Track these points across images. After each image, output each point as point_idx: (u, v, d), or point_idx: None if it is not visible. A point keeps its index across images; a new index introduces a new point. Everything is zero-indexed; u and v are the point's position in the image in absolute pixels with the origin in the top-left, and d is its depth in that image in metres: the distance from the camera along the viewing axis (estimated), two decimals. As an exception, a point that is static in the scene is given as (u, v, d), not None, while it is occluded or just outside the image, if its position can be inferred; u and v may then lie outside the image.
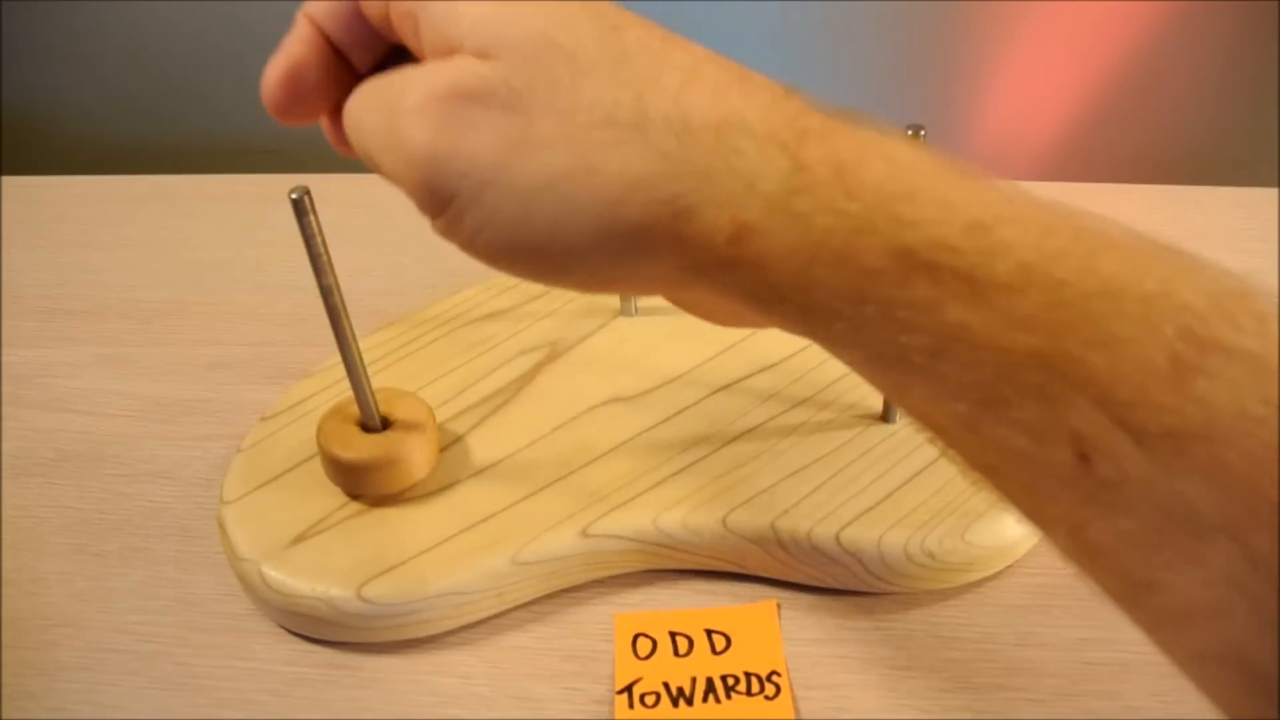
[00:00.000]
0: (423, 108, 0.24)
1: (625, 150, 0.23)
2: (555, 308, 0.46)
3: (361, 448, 0.37)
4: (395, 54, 0.28)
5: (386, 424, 0.38)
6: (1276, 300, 0.21)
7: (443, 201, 0.25)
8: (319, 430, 0.38)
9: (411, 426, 0.38)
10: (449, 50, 0.25)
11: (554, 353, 0.44)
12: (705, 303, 0.29)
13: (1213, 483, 0.19)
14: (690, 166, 0.23)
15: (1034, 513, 0.23)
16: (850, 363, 0.24)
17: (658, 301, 0.46)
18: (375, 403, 0.37)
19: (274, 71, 0.28)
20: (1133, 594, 0.22)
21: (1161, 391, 0.19)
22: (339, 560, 0.36)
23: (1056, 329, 0.20)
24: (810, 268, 0.22)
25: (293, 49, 0.28)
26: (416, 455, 0.37)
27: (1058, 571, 0.38)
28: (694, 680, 0.34)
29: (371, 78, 0.27)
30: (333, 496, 0.38)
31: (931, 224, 0.21)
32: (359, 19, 0.28)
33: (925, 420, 0.23)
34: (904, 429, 0.40)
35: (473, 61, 0.24)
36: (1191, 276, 0.21)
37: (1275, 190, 0.56)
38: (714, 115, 0.23)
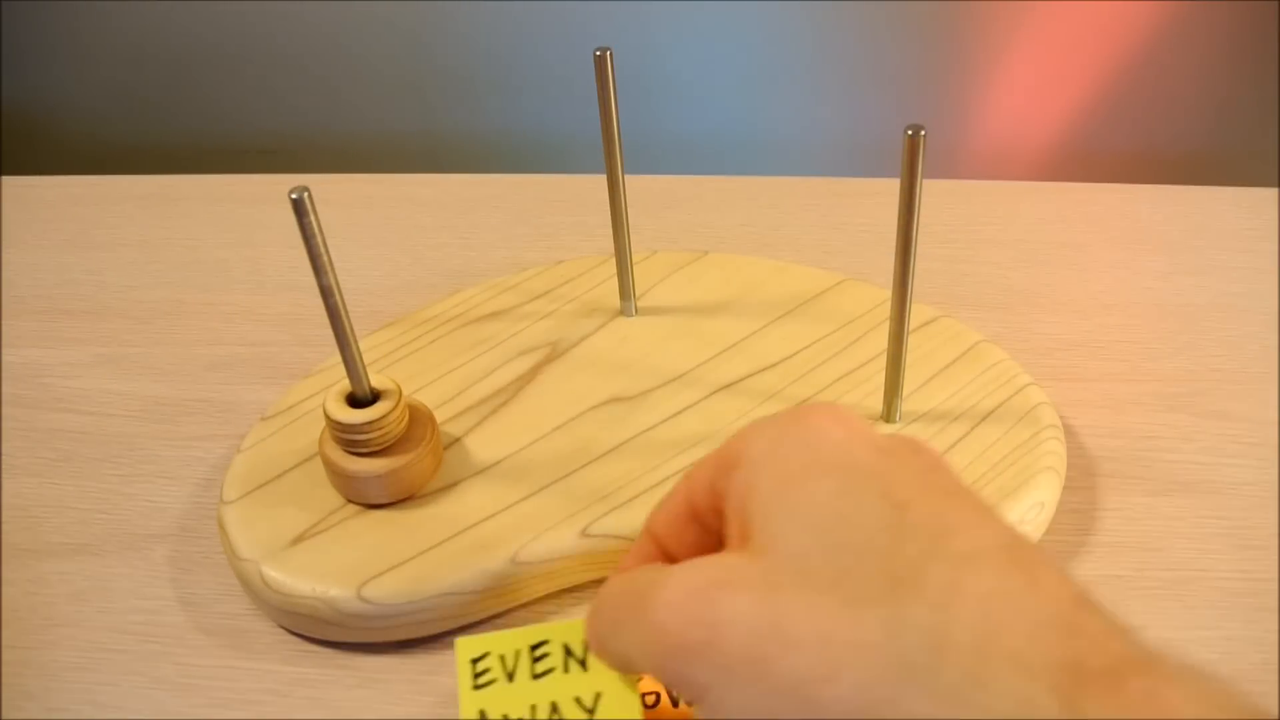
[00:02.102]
0: (678, 601, 0.24)
1: (870, 659, 0.21)
2: (555, 308, 0.46)
3: (365, 459, 0.37)
4: None
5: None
6: None
7: (696, 693, 0.24)
8: (322, 437, 0.38)
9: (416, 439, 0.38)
10: (742, 534, 0.25)
11: (554, 353, 0.44)
12: None
13: None
14: (941, 690, 0.20)
15: None
16: None
17: (658, 301, 0.46)
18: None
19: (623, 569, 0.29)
20: None
21: None
22: (339, 560, 0.36)
23: None
24: None
25: (635, 562, 0.30)
26: (420, 465, 0.37)
27: (1058, 571, 0.38)
28: (694, 680, 0.34)
29: (627, 575, 0.27)
30: (333, 496, 0.38)
31: None
32: (690, 525, 0.28)
33: None
34: (904, 429, 0.40)
35: (735, 557, 0.24)
36: None
37: (1275, 190, 0.56)
38: (974, 632, 0.21)
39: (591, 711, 0.30)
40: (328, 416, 0.36)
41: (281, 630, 0.37)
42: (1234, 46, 0.63)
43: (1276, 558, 0.38)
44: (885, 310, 0.40)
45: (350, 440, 0.36)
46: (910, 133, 0.32)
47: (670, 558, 0.29)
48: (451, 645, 0.36)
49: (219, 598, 0.38)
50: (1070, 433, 0.42)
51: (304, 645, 0.36)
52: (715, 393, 0.42)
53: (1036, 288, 0.51)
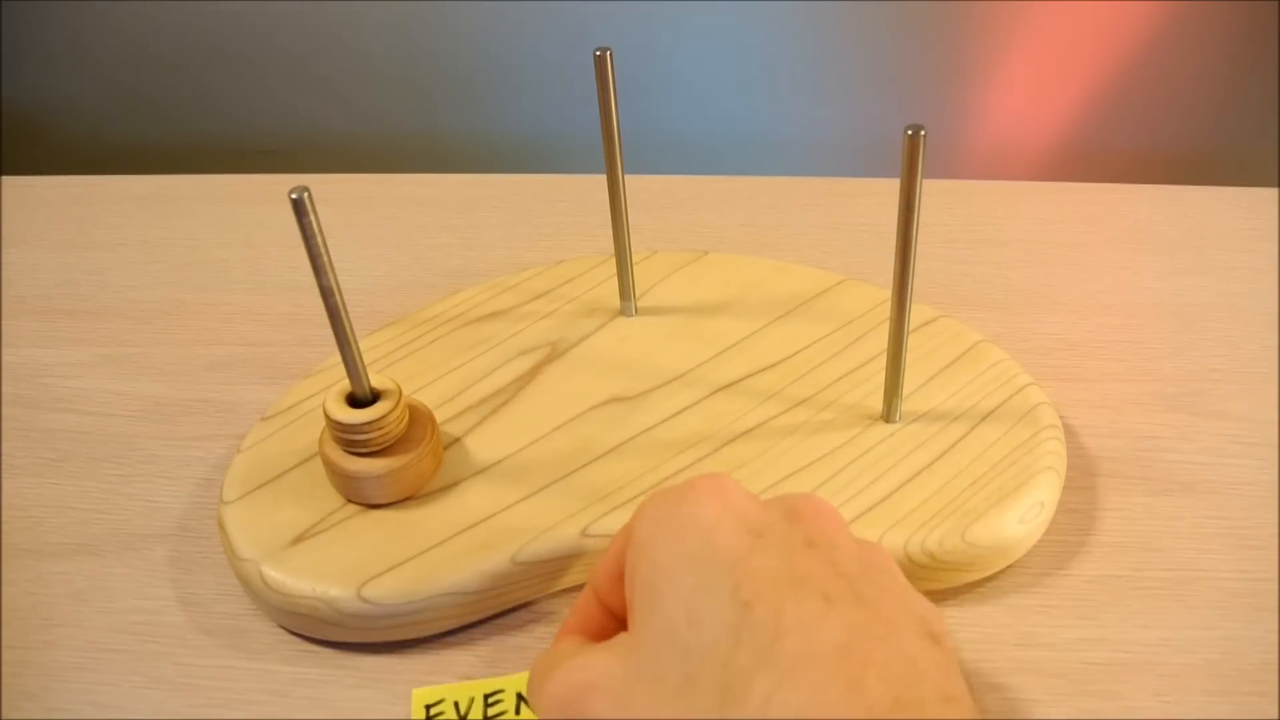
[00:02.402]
0: (554, 696, 0.27)
1: None
2: (555, 308, 0.46)
3: (365, 459, 0.37)
4: None
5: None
6: None
7: None
8: (322, 437, 0.38)
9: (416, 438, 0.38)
10: (628, 618, 0.27)
11: (554, 353, 0.44)
12: None
13: None
14: None
15: None
16: None
17: (658, 301, 0.46)
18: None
19: (565, 629, 0.32)
20: None
21: None
22: (339, 560, 0.36)
23: None
24: None
25: (577, 619, 0.31)
26: (420, 465, 0.37)
27: (1058, 572, 0.38)
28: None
29: (550, 650, 0.30)
30: (333, 496, 0.38)
31: None
32: (621, 583, 0.30)
33: None
34: (904, 429, 0.40)
35: (607, 657, 0.26)
36: None
37: (1275, 190, 0.56)
38: None
39: None
40: (328, 416, 0.36)
41: (281, 630, 0.37)
42: (1234, 46, 0.63)
43: (1276, 558, 0.38)
44: (885, 310, 0.40)
45: (350, 440, 0.36)
46: (910, 133, 0.32)
47: (609, 611, 0.30)
48: (453, 646, 0.36)
49: (219, 598, 0.38)
50: (1070, 433, 0.42)
51: (304, 645, 0.36)
52: (715, 393, 0.42)
53: (1036, 288, 0.51)
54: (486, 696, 0.33)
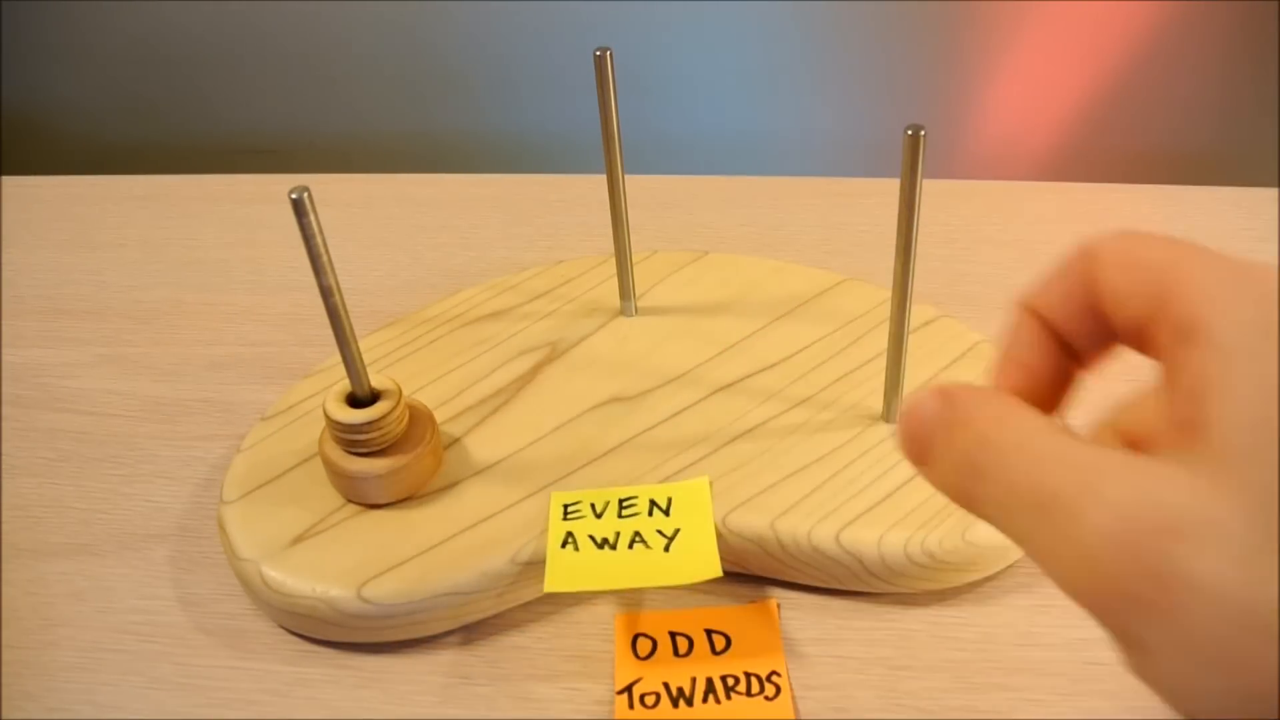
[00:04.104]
0: (1120, 536, 0.18)
1: None
2: (555, 308, 0.46)
3: (365, 459, 0.37)
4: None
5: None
6: None
7: (1128, 644, 0.19)
8: (322, 437, 0.38)
9: (416, 438, 0.38)
10: (1187, 430, 0.19)
11: (554, 353, 0.44)
12: None
13: None
14: None
15: None
16: None
17: (658, 301, 0.46)
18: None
19: (1001, 384, 0.24)
20: None
21: None
22: (339, 560, 0.36)
23: None
24: None
25: (1017, 358, 0.24)
26: (420, 465, 0.37)
27: (1058, 571, 0.38)
28: (694, 680, 0.34)
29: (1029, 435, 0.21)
30: (333, 496, 0.38)
31: None
32: (1091, 318, 0.23)
33: None
34: (904, 429, 0.40)
35: (1185, 489, 0.18)
36: None
37: (1275, 190, 0.56)
38: None
39: (670, 539, 0.34)
40: (328, 416, 0.36)
41: (281, 630, 0.37)
42: (1234, 46, 0.63)
43: (1277, 558, 0.38)
44: (885, 310, 0.40)
45: (350, 440, 0.37)
46: (910, 133, 0.32)
47: (1060, 338, 0.24)
48: (452, 646, 0.36)
49: (219, 598, 0.38)
50: (1070, 433, 0.42)
51: (304, 645, 0.36)
52: (715, 393, 0.42)
53: (1036, 288, 0.51)
54: (621, 501, 0.36)
